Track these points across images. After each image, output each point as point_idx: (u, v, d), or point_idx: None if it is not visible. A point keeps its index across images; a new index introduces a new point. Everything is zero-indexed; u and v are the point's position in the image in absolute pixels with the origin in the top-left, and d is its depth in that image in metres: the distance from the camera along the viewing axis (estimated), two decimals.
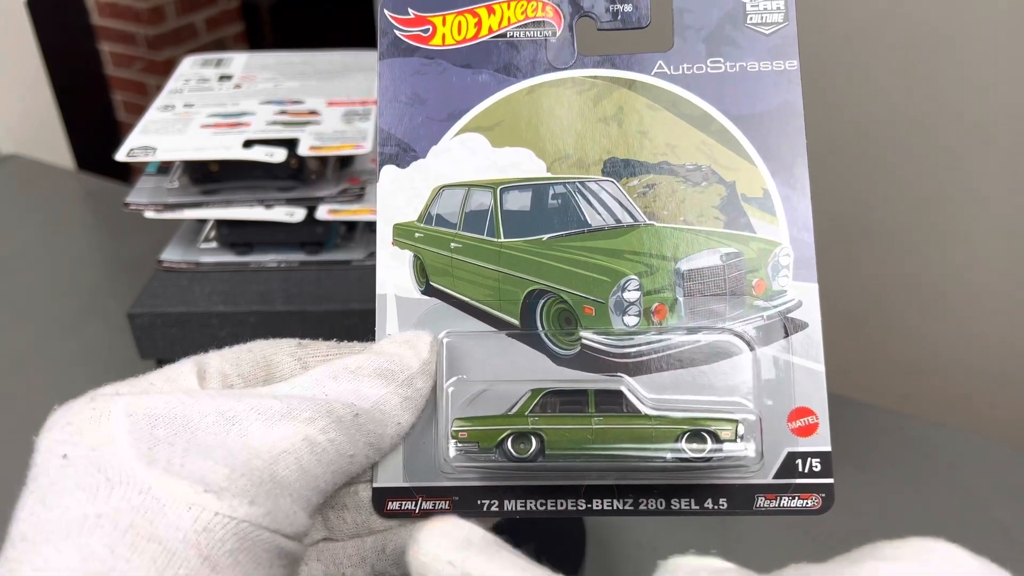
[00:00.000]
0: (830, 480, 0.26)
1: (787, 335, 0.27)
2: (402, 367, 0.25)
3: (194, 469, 0.20)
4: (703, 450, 0.25)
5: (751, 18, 0.29)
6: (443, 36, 0.29)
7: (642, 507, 0.26)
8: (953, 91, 1.08)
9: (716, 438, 0.24)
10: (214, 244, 0.58)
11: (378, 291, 0.28)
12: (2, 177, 1.02)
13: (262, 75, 0.67)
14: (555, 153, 0.29)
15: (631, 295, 0.27)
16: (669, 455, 0.25)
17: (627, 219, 0.28)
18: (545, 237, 0.28)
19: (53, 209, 0.98)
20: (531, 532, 0.43)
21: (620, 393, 0.25)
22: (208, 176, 0.56)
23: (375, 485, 0.27)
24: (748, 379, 0.26)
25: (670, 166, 0.28)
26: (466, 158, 0.29)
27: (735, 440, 0.25)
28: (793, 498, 0.26)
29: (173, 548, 0.19)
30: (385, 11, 0.30)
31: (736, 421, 0.25)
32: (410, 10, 0.30)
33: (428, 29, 0.30)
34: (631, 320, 0.27)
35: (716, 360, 0.27)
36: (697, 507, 0.26)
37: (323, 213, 0.58)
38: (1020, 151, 1.04)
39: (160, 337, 0.52)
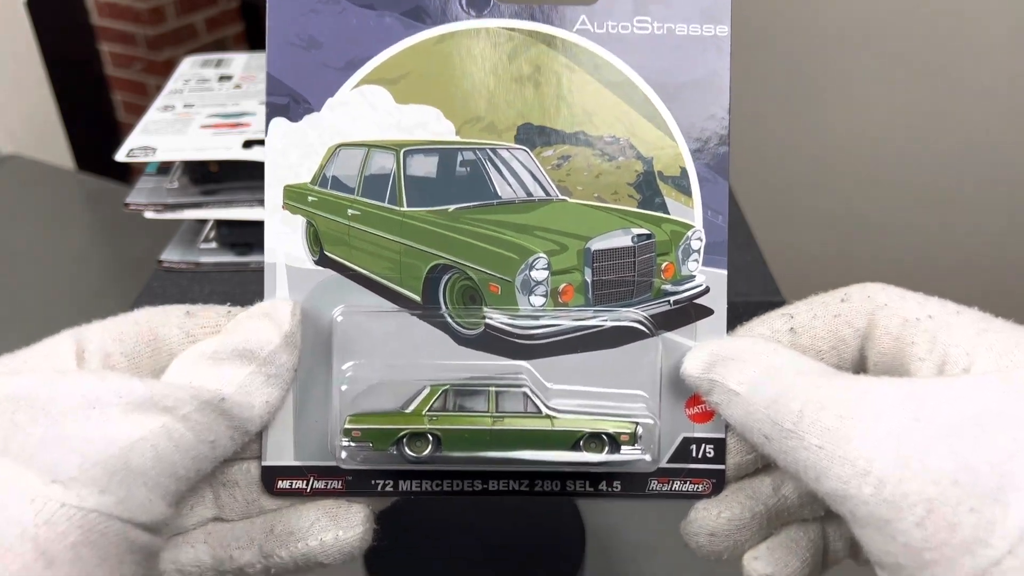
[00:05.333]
0: (722, 466, 0.26)
1: (692, 321, 0.27)
2: (262, 343, 0.24)
3: (46, 459, 0.20)
4: (601, 454, 0.25)
5: None
6: None
7: (537, 488, 0.26)
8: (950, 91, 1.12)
9: (614, 441, 0.24)
10: (214, 244, 0.58)
11: (266, 260, 0.26)
12: (2, 177, 1.02)
13: (262, 75, 0.69)
14: (465, 114, 0.26)
15: (539, 274, 0.26)
16: (567, 459, 0.25)
17: (539, 193, 0.27)
18: (451, 208, 0.27)
19: (53, 209, 0.97)
20: (530, 533, 0.43)
21: (521, 392, 0.25)
22: (208, 176, 0.56)
23: (264, 463, 0.26)
24: (650, 365, 0.26)
25: (587, 137, 0.26)
26: (366, 114, 0.26)
27: (632, 444, 0.25)
28: (685, 482, 0.26)
29: (8, 543, 0.18)
30: None
31: (635, 424, 0.25)
32: None
33: None
34: (537, 300, 0.26)
35: (620, 344, 0.26)
36: (592, 489, 0.26)
37: None
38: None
39: None
